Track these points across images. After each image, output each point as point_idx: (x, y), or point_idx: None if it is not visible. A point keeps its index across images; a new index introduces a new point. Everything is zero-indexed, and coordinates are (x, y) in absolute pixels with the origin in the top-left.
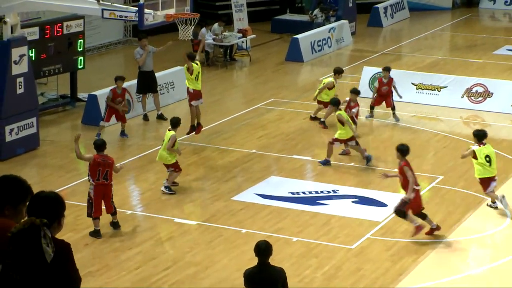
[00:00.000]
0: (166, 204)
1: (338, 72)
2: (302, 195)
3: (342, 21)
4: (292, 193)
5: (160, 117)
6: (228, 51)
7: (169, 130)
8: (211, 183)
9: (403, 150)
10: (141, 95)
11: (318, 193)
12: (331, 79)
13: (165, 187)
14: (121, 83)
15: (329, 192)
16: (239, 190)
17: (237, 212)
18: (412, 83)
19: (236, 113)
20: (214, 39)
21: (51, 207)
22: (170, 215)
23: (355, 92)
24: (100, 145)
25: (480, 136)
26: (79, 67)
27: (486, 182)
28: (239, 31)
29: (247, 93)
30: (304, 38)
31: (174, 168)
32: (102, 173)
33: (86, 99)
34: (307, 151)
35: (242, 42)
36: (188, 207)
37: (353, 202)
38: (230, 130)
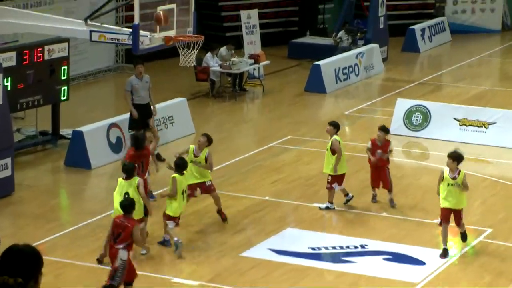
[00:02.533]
0: (163, 261)
1: (334, 125)
2: (324, 251)
3: (372, 45)
4: (313, 249)
5: (157, 157)
6: (238, 80)
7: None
8: (217, 236)
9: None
10: (133, 132)
11: (344, 248)
12: (334, 138)
13: (166, 243)
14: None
15: (356, 247)
16: (250, 244)
17: (247, 271)
18: (455, 119)
19: (247, 153)
20: (221, 66)
21: (27, 263)
22: (168, 274)
23: (384, 130)
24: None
25: None
26: (63, 98)
27: None
28: (251, 56)
29: (259, 130)
30: (327, 65)
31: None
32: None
33: (70, 136)
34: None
35: (254, 69)
36: (189, 264)
37: (385, 259)
38: (239, 174)
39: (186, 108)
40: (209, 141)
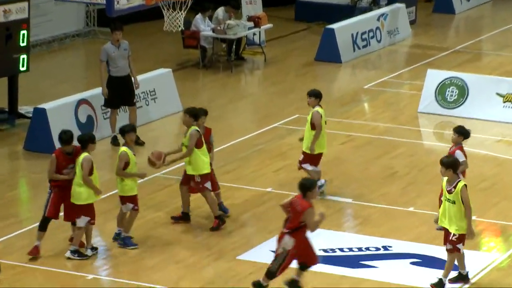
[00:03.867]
0: (143, 265)
1: (315, 95)
2: (339, 253)
3: (397, 4)
4: (326, 251)
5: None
6: (234, 47)
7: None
8: (208, 235)
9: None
10: (109, 110)
11: (363, 250)
12: (316, 110)
13: (120, 240)
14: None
15: (378, 249)
16: (249, 245)
17: (246, 277)
18: (497, 94)
19: (245, 135)
20: (213, 30)
21: None
22: (149, 281)
23: (461, 132)
24: None
25: None
26: (22, 69)
27: None
28: (250, 18)
29: (260, 107)
30: (342, 29)
31: (134, 203)
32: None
33: (30, 115)
34: (346, 190)
35: (254, 34)
36: (175, 269)
37: (412, 263)
38: (235, 160)
39: (172, 81)
40: (194, 116)
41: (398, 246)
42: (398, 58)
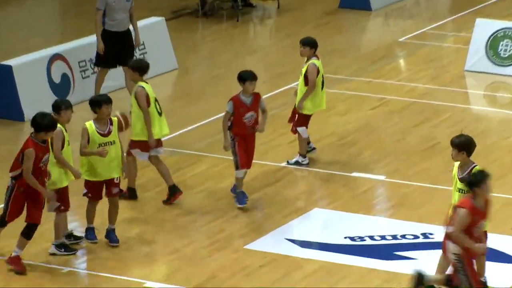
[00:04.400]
0: (131, 258)
1: (310, 44)
2: (369, 241)
3: None
4: (353, 239)
5: None
6: None
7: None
8: (210, 219)
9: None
10: (97, 69)
11: (398, 238)
12: (312, 63)
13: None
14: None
15: (416, 236)
16: (259, 232)
17: (256, 270)
18: None
19: None
20: None
21: None
22: (137, 276)
23: None
24: None
25: None
26: None
27: None
28: None
29: (272, 64)
30: None
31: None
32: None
33: None
34: (378, 165)
35: None
36: (169, 262)
37: None
38: None
39: (165, 32)
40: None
41: (440, 233)
42: (440, 5)
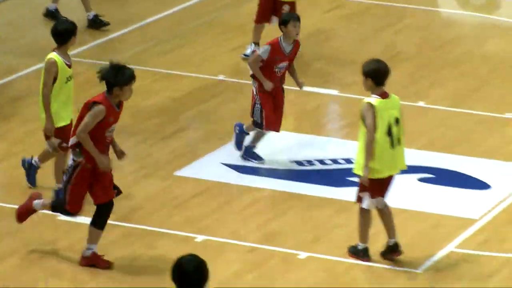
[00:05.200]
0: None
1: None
2: (319, 166)
3: None
4: (300, 163)
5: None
6: None
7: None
8: (136, 142)
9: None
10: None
11: (352, 162)
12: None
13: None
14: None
15: None
16: (192, 157)
17: (188, 200)
18: None
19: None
20: None
21: None
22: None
23: None
24: None
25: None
26: None
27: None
28: None
29: None
30: None
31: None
32: None
33: None
34: (331, 78)
35: None
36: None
37: (421, 180)
38: (175, 36)
39: None
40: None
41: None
42: None
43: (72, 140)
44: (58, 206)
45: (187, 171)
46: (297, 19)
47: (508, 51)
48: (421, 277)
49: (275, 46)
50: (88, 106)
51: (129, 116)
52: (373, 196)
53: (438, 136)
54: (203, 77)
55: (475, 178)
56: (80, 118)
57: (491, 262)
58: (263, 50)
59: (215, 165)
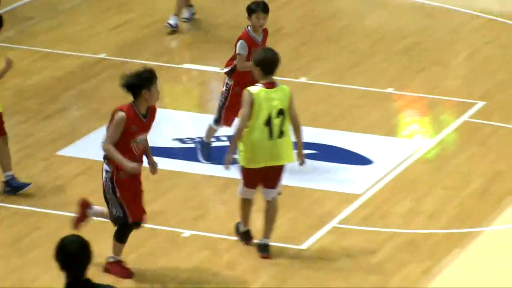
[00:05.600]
0: None
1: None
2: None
3: None
4: (182, 140)
5: None
6: None
7: None
8: (16, 123)
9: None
10: None
11: None
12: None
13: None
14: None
15: None
16: (73, 136)
17: (70, 180)
18: None
19: None
20: None
21: None
22: None
23: None
24: None
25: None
26: None
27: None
28: None
29: None
30: None
31: None
32: None
33: None
34: (211, 56)
35: None
36: None
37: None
38: (55, 13)
39: None
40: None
41: None
42: None
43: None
44: (120, 224)
45: (69, 151)
46: (262, 10)
47: (388, 26)
48: (305, 253)
49: (247, 39)
50: (113, 113)
51: (11, 96)
52: (246, 185)
53: (320, 112)
54: (85, 55)
55: (357, 153)
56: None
57: (374, 237)
58: (240, 47)
59: (97, 145)
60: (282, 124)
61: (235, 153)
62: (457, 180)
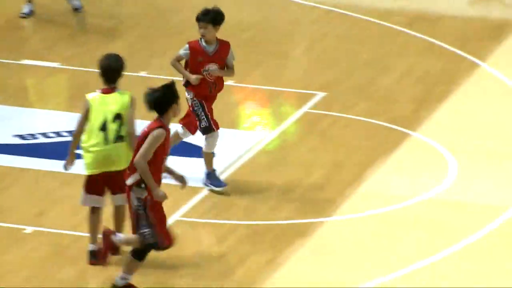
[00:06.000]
0: None
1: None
2: (42, 139)
3: None
4: (22, 137)
5: None
6: None
7: None
8: None
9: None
10: None
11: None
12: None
13: None
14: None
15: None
16: None
17: None
18: None
19: None
20: None
21: None
22: None
23: None
24: None
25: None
26: None
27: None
28: None
29: None
30: None
31: None
32: None
33: None
34: (50, 51)
35: None
36: None
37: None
38: None
39: None
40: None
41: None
42: None
43: (131, 180)
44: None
45: None
46: (199, 19)
47: (228, 18)
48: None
49: (193, 44)
50: (146, 135)
51: None
52: (87, 192)
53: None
54: None
55: (198, 146)
56: (135, 151)
57: (218, 229)
58: (182, 48)
59: None
60: (120, 129)
61: (74, 159)
62: (298, 171)
